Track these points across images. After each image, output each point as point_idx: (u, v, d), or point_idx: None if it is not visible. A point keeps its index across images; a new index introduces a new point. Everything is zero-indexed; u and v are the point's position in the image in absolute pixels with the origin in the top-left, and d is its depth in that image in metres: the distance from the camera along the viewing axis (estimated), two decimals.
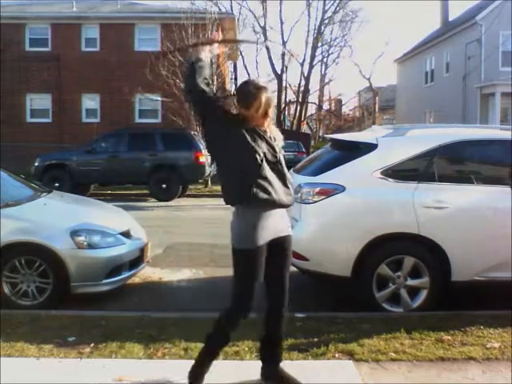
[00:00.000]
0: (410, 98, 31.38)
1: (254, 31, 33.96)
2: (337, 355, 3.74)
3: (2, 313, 4.51)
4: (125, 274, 5.53)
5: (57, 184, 13.84)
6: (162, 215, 11.97)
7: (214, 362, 3.63)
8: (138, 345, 3.89)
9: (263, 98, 2.97)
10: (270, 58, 33.48)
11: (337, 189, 4.88)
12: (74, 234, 5.20)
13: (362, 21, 37.83)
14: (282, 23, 32.99)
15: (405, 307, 4.82)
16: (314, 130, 43.44)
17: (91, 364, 3.63)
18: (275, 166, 3.04)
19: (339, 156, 5.31)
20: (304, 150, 25.56)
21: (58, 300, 5.12)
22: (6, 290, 5.06)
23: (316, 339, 3.98)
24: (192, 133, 15.73)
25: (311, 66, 34.06)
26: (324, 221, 5.02)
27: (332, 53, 36.12)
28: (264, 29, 32.95)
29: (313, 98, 37.85)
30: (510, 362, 3.64)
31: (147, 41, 22.02)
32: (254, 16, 33.65)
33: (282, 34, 33.22)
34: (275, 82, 33.62)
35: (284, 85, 35.75)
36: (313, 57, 33.77)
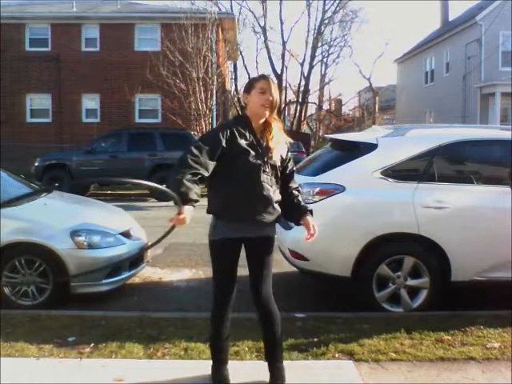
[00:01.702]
0: (410, 98, 31.38)
1: (254, 31, 34.00)
2: (337, 355, 3.75)
3: (2, 313, 4.51)
4: (125, 274, 5.52)
5: (57, 184, 13.85)
6: (162, 215, 11.93)
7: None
8: (137, 345, 3.89)
9: None
10: (270, 58, 33.52)
11: (337, 189, 4.88)
12: (74, 233, 5.20)
13: (361, 21, 37.88)
14: (282, 23, 33.02)
15: (405, 307, 4.82)
16: (314, 130, 43.39)
17: (91, 364, 3.63)
18: None
19: (339, 156, 5.31)
20: (304, 150, 25.58)
21: (57, 300, 5.12)
22: (6, 290, 5.06)
23: (316, 339, 3.98)
24: (192, 133, 15.74)
25: (311, 66, 34.07)
26: (324, 221, 4.99)
27: (332, 53, 36.12)
28: (264, 29, 32.96)
29: (313, 98, 37.84)
30: (510, 362, 3.64)
31: (147, 41, 22.01)
32: (254, 16, 33.69)
33: (282, 34, 33.26)
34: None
35: (284, 85, 35.74)
36: (313, 57, 33.78)
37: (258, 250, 3.19)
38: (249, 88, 3.15)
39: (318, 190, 4.94)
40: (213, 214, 3.22)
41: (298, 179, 5.19)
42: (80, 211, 6.14)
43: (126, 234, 5.68)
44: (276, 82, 3.23)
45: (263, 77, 3.20)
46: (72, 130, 21.27)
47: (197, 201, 2.94)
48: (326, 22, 33.57)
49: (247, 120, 3.16)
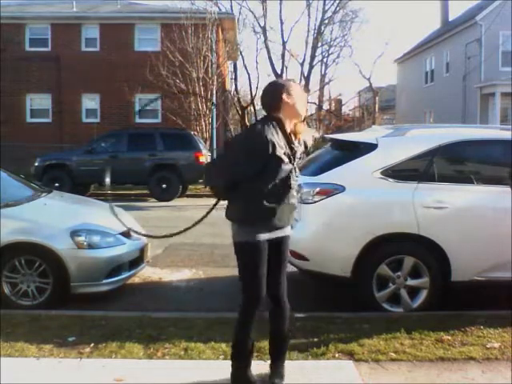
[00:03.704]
0: (410, 98, 31.38)
1: (254, 31, 33.95)
2: (337, 355, 3.75)
3: (2, 313, 4.51)
4: (125, 274, 5.53)
5: (57, 184, 13.85)
6: (162, 215, 11.96)
7: (214, 362, 3.64)
8: (137, 345, 3.89)
9: None
10: (270, 58, 33.48)
11: (337, 189, 4.88)
12: (74, 233, 5.21)
13: (361, 21, 37.91)
14: (281, 23, 32.94)
15: (405, 307, 4.82)
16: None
17: (91, 364, 3.63)
18: None
19: (339, 156, 5.31)
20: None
21: (58, 300, 5.12)
22: (6, 290, 5.07)
23: (316, 339, 3.98)
24: (192, 133, 15.74)
25: (311, 66, 34.06)
26: (324, 221, 5.02)
27: (332, 53, 36.08)
28: (264, 29, 32.94)
29: (313, 98, 37.78)
30: (510, 362, 3.64)
31: (147, 41, 22.00)
32: (254, 16, 33.64)
33: (282, 34, 33.24)
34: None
35: None
36: (313, 57, 33.77)
37: None
38: (290, 90, 3.08)
39: (317, 190, 4.94)
40: None
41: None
42: (80, 211, 6.15)
43: (126, 234, 5.67)
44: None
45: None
46: (72, 130, 21.25)
47: None
48: (326, 22, 33.59)
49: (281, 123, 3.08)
